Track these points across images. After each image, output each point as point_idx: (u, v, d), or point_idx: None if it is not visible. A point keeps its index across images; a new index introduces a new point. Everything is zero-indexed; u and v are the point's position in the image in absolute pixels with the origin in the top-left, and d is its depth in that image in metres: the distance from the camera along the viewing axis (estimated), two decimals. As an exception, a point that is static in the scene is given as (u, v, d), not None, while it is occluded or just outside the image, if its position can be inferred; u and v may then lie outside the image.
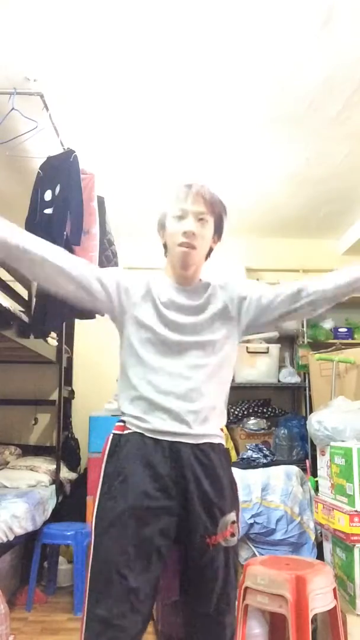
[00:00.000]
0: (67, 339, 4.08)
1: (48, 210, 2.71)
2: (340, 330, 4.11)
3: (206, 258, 1.61)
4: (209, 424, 1.45)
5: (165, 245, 1.60)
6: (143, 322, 1.48)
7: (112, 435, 1.47)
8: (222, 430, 1.52)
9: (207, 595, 1.38)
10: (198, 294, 1.56)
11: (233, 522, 1.41)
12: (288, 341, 4.16)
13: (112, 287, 1.49)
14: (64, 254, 1.46)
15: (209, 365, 1.47)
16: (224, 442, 1.52)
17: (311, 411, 3.34)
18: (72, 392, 4.23)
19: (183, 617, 1.46)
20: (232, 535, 1.40)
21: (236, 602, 1.45)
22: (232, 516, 1.41)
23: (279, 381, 3.89)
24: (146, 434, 1.41)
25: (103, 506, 1.37)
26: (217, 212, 1.57)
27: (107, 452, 1.44)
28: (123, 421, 1.48)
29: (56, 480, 3.56)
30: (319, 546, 2.82)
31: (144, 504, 1.33)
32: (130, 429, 1.44)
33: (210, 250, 1.61)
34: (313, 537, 2.87)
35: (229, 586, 1.40)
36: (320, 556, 2.75)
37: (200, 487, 1.38)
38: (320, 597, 1.93)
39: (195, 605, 1.40)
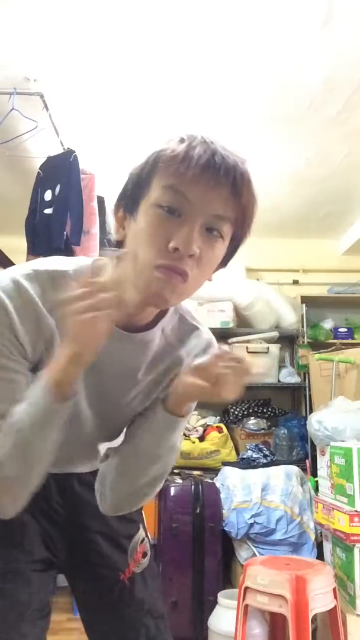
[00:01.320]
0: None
1: (48, 210, 2.71)
2: (340, 330, 4.11)
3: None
4: None
5: (119, 242, 0.89)
6: None
7: None
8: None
9: (140, 634, 1.10)
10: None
11: (142, 541, 1.17)
12: (288, 341, 4.16)
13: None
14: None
15: None
16: None
17: (311, 411, 3.34)
18: (72, 392, 4.22)
19: None
20: (144, 555, 1.16)
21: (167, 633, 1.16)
22: (141, 534, 1.17)
23: (279, 381, 3.89)
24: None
25: None
26: (246, 224, 0.88)
27: None
28: None
29: (56, 480, 3.55)
30: (319, 546, 2.82)
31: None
32: None
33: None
34: (313, 537, 2.87)
35: (158, 612, 1.14)
36: (320, 556, 2.75)
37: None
38: (320, 597, 1.93)
39: None
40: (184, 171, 0.79)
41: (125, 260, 0.84)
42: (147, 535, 1.20)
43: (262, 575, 1.98)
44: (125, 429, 1.05)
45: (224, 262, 0.92)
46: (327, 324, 4.13)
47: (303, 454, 3.48)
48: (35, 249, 2.81)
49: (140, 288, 0.81)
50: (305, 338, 3.93)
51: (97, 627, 1.17)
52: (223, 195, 0.80)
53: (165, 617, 1.16)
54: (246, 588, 2.04)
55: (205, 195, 0.79)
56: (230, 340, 3.83)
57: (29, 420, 0.78)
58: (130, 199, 0.87)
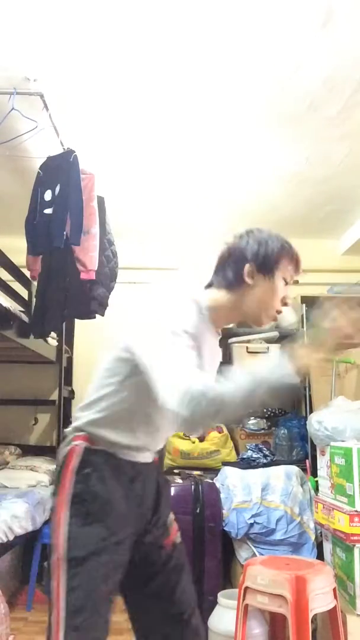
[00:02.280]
0: (67, 339, 4.08)
1: (48, 210, 2.70)
2: (340, 330, 4.10)
3: None
4: None
5: (242, 280, 1.32)
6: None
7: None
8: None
9: (181, 594, 1.40)
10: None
11: (174, 519, 1.49)
12: (288, 341, 4.16)
13: None
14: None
15: None
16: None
17: (311, 411, 3.34)
18: (72, 392, 4.23)
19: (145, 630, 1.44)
20: (177, 530, 1.47)
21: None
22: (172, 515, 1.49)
23: (279, 381, 3.88)
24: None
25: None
26: None
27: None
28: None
29: (56, 481, 3.56)
30: (319, 546, 2.82)
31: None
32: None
33: None
34: (313, 537, 2.87)
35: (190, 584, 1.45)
36: (320, 556, 2.75)
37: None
38: (320, 597, 1.93)
39: (170, 608, 1.39)
40: (298, 270, 1.39)
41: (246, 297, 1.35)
42: None
43: (262, 575, 1.98)
44: None
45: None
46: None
47: (303, 454, 3.48)
48: (35, 249, 2.81)
49: (268, 319, 1.37)
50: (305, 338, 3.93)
51: (145, 602, 1.41)
52: None
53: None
54: (246, 588, 2.04)
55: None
56: (230, 340, 3.83)
57: (271, 380, 1.15)
58: (265, 266, 1.33)
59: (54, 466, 3.84)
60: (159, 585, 1.40)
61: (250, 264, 1.32)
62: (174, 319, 1.21)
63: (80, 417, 1.36)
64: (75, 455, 1.29)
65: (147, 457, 1.40)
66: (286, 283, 1.35)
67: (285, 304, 1.36)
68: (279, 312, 1.35)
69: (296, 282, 1.41)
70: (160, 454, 1.48)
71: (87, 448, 1.29)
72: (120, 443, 1.31)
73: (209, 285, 1.40)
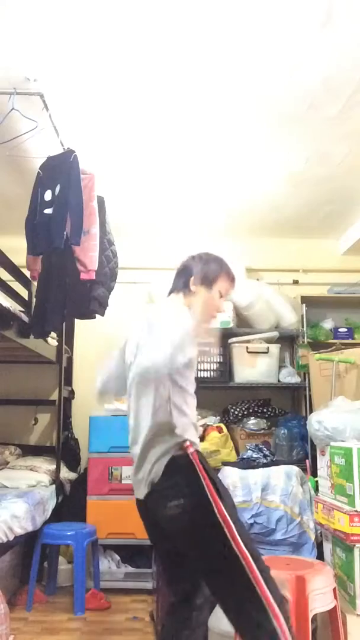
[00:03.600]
0: (67, 339, 4.08)
1: (48, 210, 2.70)
2: (340, 330, 4.11)
3: None
4: None
5: (188, 287, 1.86)
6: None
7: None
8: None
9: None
10: None
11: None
12: (288, 341, 4.16)
13: None
14: None
15: None
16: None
17: (311, 411, 3.34)
18: (72, 392, 4.23)
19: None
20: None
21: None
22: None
23: (279, 381, 3.89)
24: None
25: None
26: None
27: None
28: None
29: (56, 481, 3.56)
30: (319, 546, 2.82)
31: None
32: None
33: None
34: (313, 537, 2.87)
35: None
36: (320, 556, 2.75)
37: None
38: (320, 597, 1.93)
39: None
40: (232, 286, 1.91)
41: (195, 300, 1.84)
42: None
43: (262, 575, 1.98)
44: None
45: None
46: (327, 324, 4.13)
47: (303, 454, 3.48)
48: (35, 249, 2.81)
49: (207, 318, 1.82)
50: (305, 338, 3.93)
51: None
52: None
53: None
54: (246, 588, 2.03)
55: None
56: (230, 341, 3.83)
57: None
58: (207, 280, 1.85)
59: (54, 466, 3.84)
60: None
61: (195, 276, 1.84)
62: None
63: None
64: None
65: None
66: (221, 296, 1.86)
67: (219, 311, 1.89)
68: (214, 316, 1.87)
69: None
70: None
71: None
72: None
73: (171, 291, 1.92)
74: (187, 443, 1.68)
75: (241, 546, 1.53)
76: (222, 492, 1.64)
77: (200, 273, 1.84)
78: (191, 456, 1.65)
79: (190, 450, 1.67)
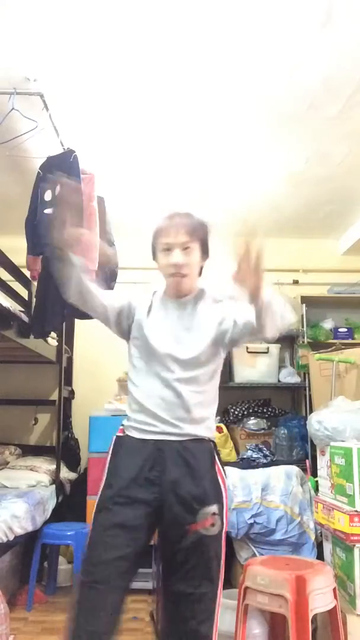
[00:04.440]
0: (67, 339, 4.08)
1: (48, 210, 2.70)
2: (340, 330, 4.11)
3: (199, 274, 1.80)
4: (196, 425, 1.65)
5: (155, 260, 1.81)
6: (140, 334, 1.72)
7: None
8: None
9: (191, 576, 1.54)
10: (191, 307, 1.76)
11: (214, 514, 1.56)
12: (288, 341, 4.16)
13: (124, 316, 1.77)
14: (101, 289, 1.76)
15: (196, 376, 1.67)
16: (212, 438, 1.71)
17: (311, 411, 3.34)
18: (72, 392, 4.23)
19: (165, 599, 1.63)
20: (212, 525, 1.56)
21: (218, 589, 1.59)
22: (213, 508, 1.57)
23: (279, 381, 3.89)
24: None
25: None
26: (201, 237, 1.74)
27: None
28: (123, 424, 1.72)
29: (56, 480, 3.56)
30: (319, 546, 2.82)
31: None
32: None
33: (201, 268, 1.79)
34: (313, 537, 2.87)
35: (211, 571, 1.57)
36: (320, 556, 2.75)
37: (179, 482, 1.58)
38: (320, 597, 1.93)
39: (179, 585, 1.56)
40: (162, 235, 1.76)
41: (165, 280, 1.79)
42: (223, 515, 1.60)
43: (262, 575, 1.98)
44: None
45: (205, 254, 1.78)
46: (327, 324, 4.13)
47: (303, 454, 3.48)
48: (35, 249, 2.81)
49: (170, 287, 1.77)
50: (306, 338, 3.93)
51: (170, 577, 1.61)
52: (185, 234, 1.71)
53: (215, 584, 1.58)
54: (246, 588, 2.04)
55: (177, 238, 1.71)
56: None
57: None
58: (152, 252, 1.82)
59: (54, 466, 3.85)
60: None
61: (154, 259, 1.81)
62: None
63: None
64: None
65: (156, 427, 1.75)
66: (168, 249, 1.71)
67: (175, 264, 1.69)
68: (171, 273, 1.71)
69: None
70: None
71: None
72: None
73: None
74: (121, 426, 1.72)
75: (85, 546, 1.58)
76: (111, 483, 1.60)
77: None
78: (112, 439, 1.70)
79: (118, 433, 1.71)
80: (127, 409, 1.73)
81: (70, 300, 1.73)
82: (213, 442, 1.71)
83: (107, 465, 1.66)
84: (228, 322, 1.69)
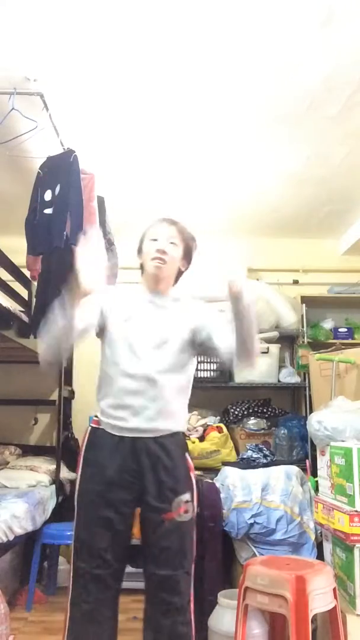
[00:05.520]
0: (67, 339, 4.07)
1: (48, 210, 2.71)
2: (340, 330, 4.11)
3: (175, 280, 1.92)
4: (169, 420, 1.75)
5: (142, 266, 1.91)
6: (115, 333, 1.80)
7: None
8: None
9: (167, 560, 1.70)
10: (168, 307, 1.87)
11: (187, 501, 1.72)
12: (288, 341, 4.16)
13: (100, 319, 1.83)
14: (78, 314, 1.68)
15: (169, 368, 1.77)
16: (184, 430, 1.86)
17: (311, 411, 3.34)
18: (72, 392, 4.23)
19: (146, 583, 1.75)
20: (186, 512, 1.72)
21: (192, 567, 1.77)
22: (186, 496, 1.73)
23: (279, 381, 3.89)
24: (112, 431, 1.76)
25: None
26: (187, 241, 1.89)
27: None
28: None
29: (56, 480, 3.56)
30: (319, 546, 2.82)
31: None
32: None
33: (180, 273, 1.92)
34: (313, 537, 2.87)
35: (186, 554, 1.73)
36: (320, 556, 2.75)
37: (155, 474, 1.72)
38: (320, 597, 1.92)
39: (156, 569, 1.71)
40: (151, 234, 1.91)
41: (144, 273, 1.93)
42: (192, 502, 1.75)
43: (262, 575, 1.98)
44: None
45: (187, 260, 1.93)
46: (327, 324, 4.13)
47: (303, 454, 3.48)
48: (35, 249, 2.81)
49: (148, 274, 1.88)
50: (306, 338, 3.93)
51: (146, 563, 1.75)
52: (174, 230, 1.89)
53: (188, 573, 1.74)
54: (246, 588, 2.04)
55: (166, 230, 1.89)
56: (230, 340, 3.82)
57: None
58: (138, 249, 1.94)
59: (54, 466, 3.85)
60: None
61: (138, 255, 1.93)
62: None
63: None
64: None
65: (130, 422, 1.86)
66: (155, 240, 1.85)
67: (156, 250, 1.83)
68: (153, 257, 1.82)
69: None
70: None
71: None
72: None
73: None
74: (95, 417, 1.81)
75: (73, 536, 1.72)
76: (88, 476, 1.74)
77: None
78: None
79: (92, 424, 1.81)
80: (102, 402, 1.80)
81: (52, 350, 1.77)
82: (184, 433, 1.86)
83: (82, 455, 1.81)
84: (202, 334, 1.84)
